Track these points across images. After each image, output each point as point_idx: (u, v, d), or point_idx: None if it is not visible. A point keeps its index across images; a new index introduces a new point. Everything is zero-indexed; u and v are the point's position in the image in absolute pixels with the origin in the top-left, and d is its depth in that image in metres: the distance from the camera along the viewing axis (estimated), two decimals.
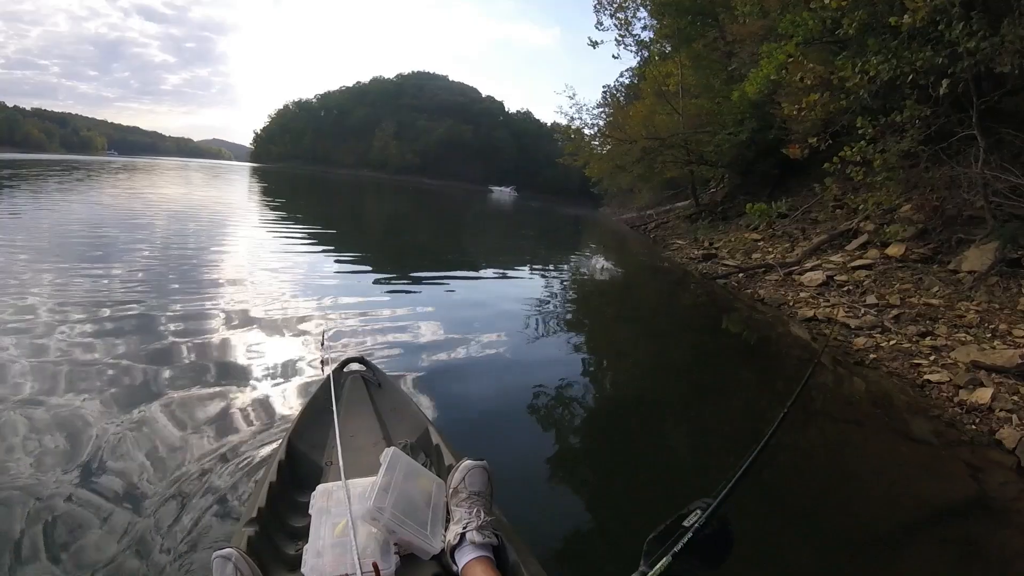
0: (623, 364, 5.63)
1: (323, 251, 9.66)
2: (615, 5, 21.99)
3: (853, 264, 8.21)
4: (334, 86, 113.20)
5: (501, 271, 9.82)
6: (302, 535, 1.66)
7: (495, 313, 6.54)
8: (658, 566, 1.18)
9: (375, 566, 1.28)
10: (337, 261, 8.87)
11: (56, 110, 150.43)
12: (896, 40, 7.00)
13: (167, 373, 3.64)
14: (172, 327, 4.54)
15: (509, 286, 8.35)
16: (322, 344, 3.58)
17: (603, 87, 45.94)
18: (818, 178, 9.52)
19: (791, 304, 7.54)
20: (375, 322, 5.36)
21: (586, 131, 23.37)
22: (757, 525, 2.78)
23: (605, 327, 7.12)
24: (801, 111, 8.75)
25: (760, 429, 3.99)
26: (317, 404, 2.43)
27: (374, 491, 1.53)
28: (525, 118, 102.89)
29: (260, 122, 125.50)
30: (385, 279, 7.91)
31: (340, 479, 1.70)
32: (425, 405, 3.61)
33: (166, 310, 4.99)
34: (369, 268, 8.65)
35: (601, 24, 22.69)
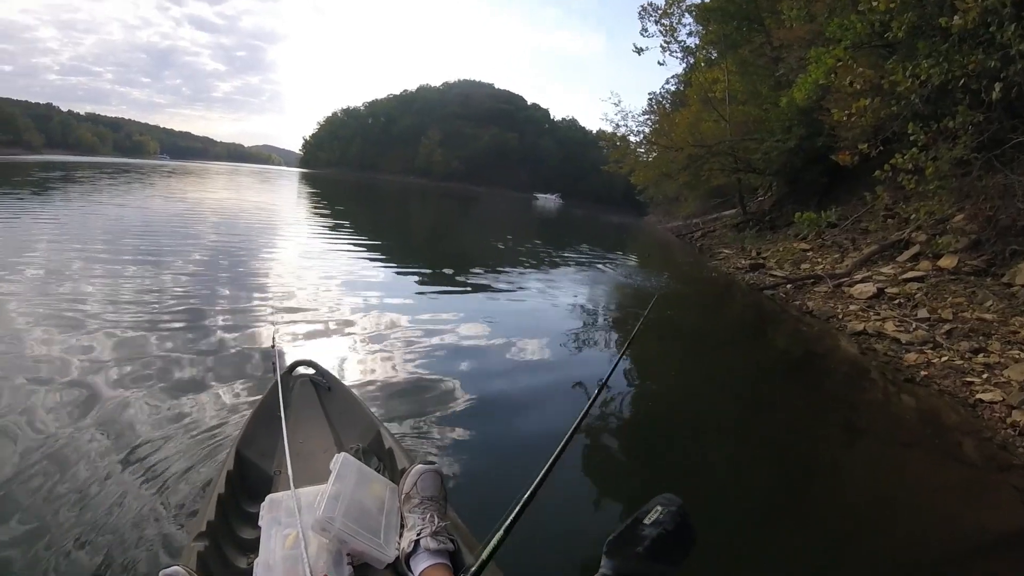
0: (664, 375, 5.56)
1: (368, 258, 9.83)
2: (660, 12, 21.84)
3: (904, 276, 7.93)
4: (381, 94, 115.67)
5: (544, 278, 9.82)
6: (253, 548, 1.61)
7: (535, 320, 6.57)
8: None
9: None
10: (382, 267, 9.05)
11: (109, 115, 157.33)
12: (946, 43, 6.74)
13: (164, 369, 3.71)
14: (200, 324, 4.70)
15: (551, 293, 8.35)
16: (272, 345, 3.28)
17: (649, 94, 45.45)
18: (868, 186, 9.22)
19: (840, 317, 7.35)
20: (413, 327, 5.40)
21: (632, 138, 23.23)
22: (794, 544, 2.73)
23: (647, 337, 7.03)
24: (851, 117, 8.50)
25: (804, 445, 3.88)
26: (265, 410, 2.35)
27: (324, 500, 1.48)
28: (570, 125, 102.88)
29: (309, 129, 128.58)
30: (426, 285, 8.02)
31: (290, 488, 1.64)
32: (458, 412, 3.62)
33: (202, 307, 5.21)
34: (413, 274, 8.84)
35: (646, 31, 22.52)
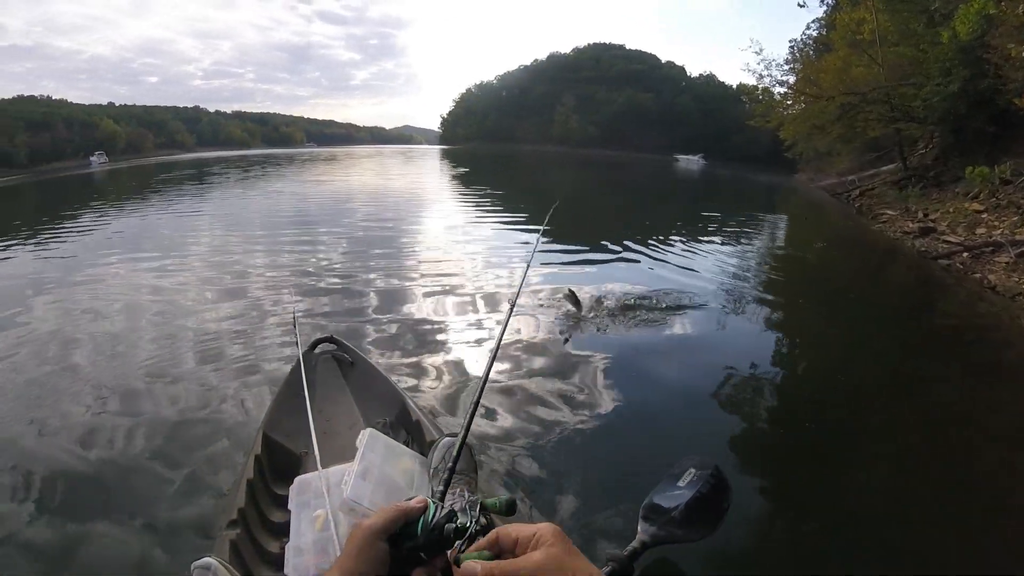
0: (816, 352, 5.21)
1: (516, 227, 10.36)
2: None
3: None
4: (512, 65, 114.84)
5: (690, 244, 9.54)
6: (285, 531, 1.61)
7: (682, 287, 6.38)
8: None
9: None
10: (531, 236, 9.25)
11: (255, 111, 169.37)
12: None
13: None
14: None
15: (698, 260, 8.18)
16: (293, 325, 3.09)
17: (789, 42, 41.78)
18: None
19: None
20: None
21: (776, 90, 21.59)
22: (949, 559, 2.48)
23: (800, 310, 6.62)
24: None
25: (969, 447, 3.54)
26: (289, 389, 2.32)
27: (351, 478, 1.46)
28: (708, 81, 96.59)
29: (445, 106, 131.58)
30: (576, 252, 8.28)
31: (317, 468, 1.62)
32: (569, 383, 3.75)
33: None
34: (564, 241, 8.94)
35: None
